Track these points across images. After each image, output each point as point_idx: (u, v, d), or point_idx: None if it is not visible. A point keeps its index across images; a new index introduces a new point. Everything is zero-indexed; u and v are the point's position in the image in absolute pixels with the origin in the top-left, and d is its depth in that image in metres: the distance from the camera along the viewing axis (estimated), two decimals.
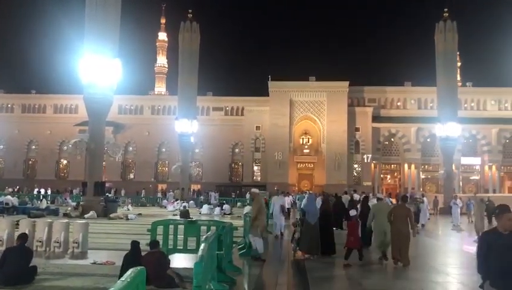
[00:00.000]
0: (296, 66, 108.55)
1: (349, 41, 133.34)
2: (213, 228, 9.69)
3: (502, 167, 57.75)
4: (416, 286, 9.26)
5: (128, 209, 31.08)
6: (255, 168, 60.57)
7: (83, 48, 28.23)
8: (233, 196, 47.01)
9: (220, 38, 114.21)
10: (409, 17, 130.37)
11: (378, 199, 14.40)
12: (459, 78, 66.42)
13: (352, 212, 12.58)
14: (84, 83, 27.76)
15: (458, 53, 55.93)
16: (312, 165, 59.44)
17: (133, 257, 8.22)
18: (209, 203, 35.31)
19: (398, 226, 11.21)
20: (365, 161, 57.12)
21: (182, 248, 10.87)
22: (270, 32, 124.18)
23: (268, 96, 58.53)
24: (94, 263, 10.53)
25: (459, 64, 70.70)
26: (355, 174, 58.36)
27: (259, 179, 59.24)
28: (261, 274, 10.49)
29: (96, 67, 27.25)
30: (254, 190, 14.59)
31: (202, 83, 53.15)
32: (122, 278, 3.21)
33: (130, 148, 62.39)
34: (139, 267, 3.52)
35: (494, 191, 52.82)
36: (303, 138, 59.36)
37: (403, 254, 11.11)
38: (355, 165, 58.24)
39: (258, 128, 59.41)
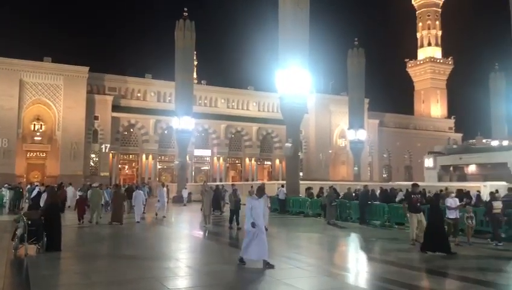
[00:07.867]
0: (29, 44, 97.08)
1: (92, 25, 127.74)
2: None
3: (228, 159, 65.30)
4: (150, 274, 9.42)
5: None
6: None
7: None
8: None
9: None
10: (153, 10, 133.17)
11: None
12: (195, 75, 71.76)
13: (80, 193, 21.31)
14: None
15: (196, 52, 60.37)
16: (45, 155, 54.46)
17: None
18: None
19: None
20: (103, 150, 55.72)
21: None
22: None
23: None
24: None
25: (196, 62, 76.29)
26: (93, 164, 56.33)
27: None
28: None
29: None
30: None
31: None
32: None
33: None
34: None
35: (221, 180, 59.19)
36: (35, 124, 53.72)
37: None
38: (93, 155, 56.20)
39: None
